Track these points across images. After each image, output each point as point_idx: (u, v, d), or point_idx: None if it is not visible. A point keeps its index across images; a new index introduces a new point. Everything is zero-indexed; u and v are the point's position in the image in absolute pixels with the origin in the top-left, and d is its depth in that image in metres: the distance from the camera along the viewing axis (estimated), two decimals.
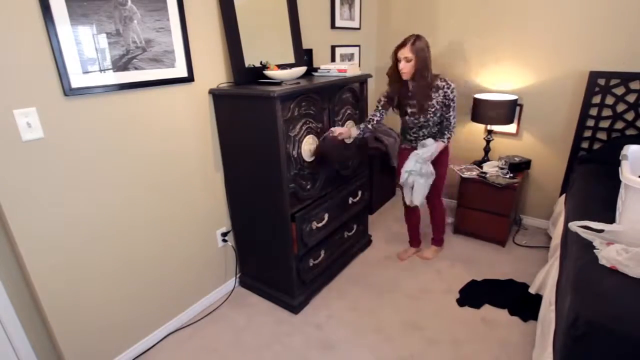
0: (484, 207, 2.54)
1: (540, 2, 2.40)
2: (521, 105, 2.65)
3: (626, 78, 2.24)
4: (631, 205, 1.39)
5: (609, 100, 2.33)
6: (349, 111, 2.07)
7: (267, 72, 1.82)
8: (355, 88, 2.12)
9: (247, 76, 1.89)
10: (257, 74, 1.92)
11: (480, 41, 2.69)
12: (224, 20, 1.78)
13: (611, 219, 1.54)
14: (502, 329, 1.87)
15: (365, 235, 2.60)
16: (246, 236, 2.09)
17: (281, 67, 1.96)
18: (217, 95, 1.82)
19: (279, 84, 1.78)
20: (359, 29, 2.89)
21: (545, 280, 1.90)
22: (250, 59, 1.91)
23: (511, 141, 2.78)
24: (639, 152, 1.77)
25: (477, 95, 2.59)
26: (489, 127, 2.65)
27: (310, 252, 2.02)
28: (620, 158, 1.59)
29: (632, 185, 1.35)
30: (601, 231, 1.44)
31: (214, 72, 1.84)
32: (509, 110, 2.48)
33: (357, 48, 2.91)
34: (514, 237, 2.70)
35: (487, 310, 2.00)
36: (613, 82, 2.29)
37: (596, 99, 2.36)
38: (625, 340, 1.05)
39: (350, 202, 2.20)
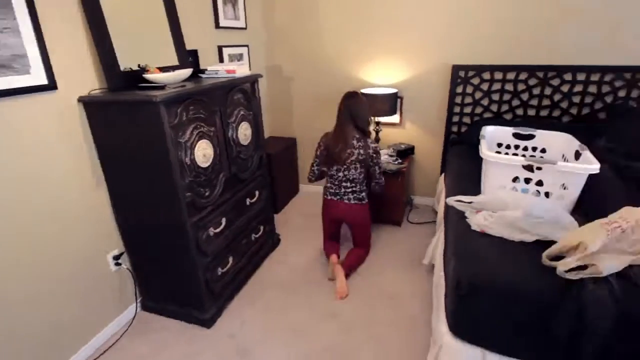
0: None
1: (408, 2, 2.67)
2: (401, 97, 2.92)
3: (479, 70, 2.64)
4: (490, 176, 1.65)
5: (469, 89, 2.72)
6: (242, 112, 2.03)
7: (147, 76, 1.68)
8: (246, 89, 2.09)
9: (123, 81, 1.72)
10: (137, 78, 1.75)
11: (360, 38, 2.88)
12: (88, 18, 1.58)
13: (479, 191, 1.80)
14: (407, 301, 2.05)
15: (273, 235, 2.60)
16: (144, 255, 1.91)
17: (163, 69, 1.83)
18: (88, 104, 1.62)
19: (162, 87, 1.66)
20: (245, 28, 2.85)
21: (435, 250, 2.14)
22: (127, 62, 1.74)
23: (396, 130, 3.06)
24: (494, 132, 2.10)
25: (364, 90, 2.78)
26: (376, 119, 2.87)
27: (217, 261, 1.94)
28: (480, 138, 1.87)
29: (489, 159, 1.60)
30: (471, 203, 1.67)
31: (82, 78, 1.63)
32: (391, 103, 2.72)
33: (246, 48, 2.88)
34: (407, 217, 2.98)
35: (394, 287, 2.17)
36: (470, 73, 2.67)
37: (459, 89, 2.73)
38: (499, 292, 1.24)
39: (247, 203, 2.18)
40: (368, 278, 2.26)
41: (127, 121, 1.57)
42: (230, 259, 2.06)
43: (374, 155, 2.18)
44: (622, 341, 1.11)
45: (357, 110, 2.15)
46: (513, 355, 1.29)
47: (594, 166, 1.48)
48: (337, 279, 2.16)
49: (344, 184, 2.22)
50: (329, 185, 2.30)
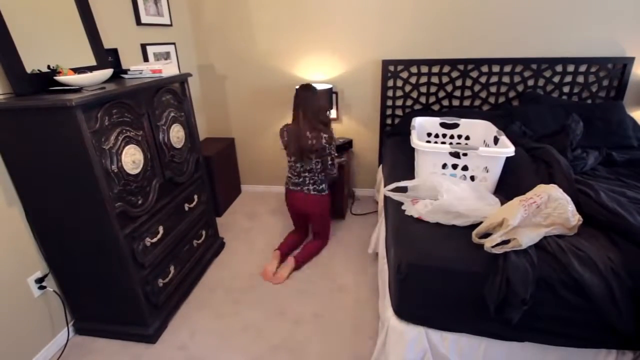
0: None
1: (338, 2, 2.72)
2: (337, 93, 2.98)
3: (407, 64, 2.77)
4: (421, 164, 1.75)
5: (399, 82, 2.84)
6: (172, 114, 1.93)
7: (59, 78, 1.53)
8: (175, 89, 1.99)
9: (32, 84, 1.54)
10: (48, 81, 1.59)
11: (293, 35, 2.88)
12: None
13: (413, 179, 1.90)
14: (354, 290, 2.11)
15: (217, 239, 2.52)
16: (73, 274, 1.75)
17: (79, 70, 1.68)
18: None
19: (78, 90, 1.52)
20: (170, 25, 2.70)
21: (378, 239, 2.23)
22: (35, 63, 1.57)
23: (334, 125, 3.10)
24: (423, 122, 2.23)
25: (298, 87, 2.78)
26: None
27: (157, 272, 1.84)
28: (411, 128, 1.97)
29: (419, 148, 1.69)
30: (405, 188, 1.75)
31: None
32: (327, 98, 2.75)
33: (173, 46, 2.73)
34: (351, 209, 3.06)
35: (341, 278, 2.22)
36: (399, 67, 2.79)
37: (390, 83, 2.85)
38: (436, 271, 1.32)
39: (186, 208, 2.09)
40: (315, 272, 2.29)
41: (40, 129, 1.41)
42: (172, 268, 1.96)
43: (327, 145, 2.17)
44: (540, 304, 1.25)
45: (307, 102, 2.17)
46: (452, 330, 1.39)
47: (510, 149, 1.63)
48: (274, 261, 2.29)
49: (303, 174, 2.26)
50: (289, 175, 2.33)
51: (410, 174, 1.94)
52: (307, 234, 2.62)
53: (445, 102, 2.85)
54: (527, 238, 1.31)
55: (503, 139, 1.78)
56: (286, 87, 3.00)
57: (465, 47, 2.67)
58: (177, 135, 1.96)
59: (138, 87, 1.67)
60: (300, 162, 2.23)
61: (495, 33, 2.61)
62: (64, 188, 1.51)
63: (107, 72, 1.70)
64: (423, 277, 1.34)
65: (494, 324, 1.30)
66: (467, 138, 2.19)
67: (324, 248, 2.51)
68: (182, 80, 2.04)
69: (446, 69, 2.74)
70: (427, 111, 2.84)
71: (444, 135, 2.25)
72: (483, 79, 2.73)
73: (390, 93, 2.88)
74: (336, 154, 2.28)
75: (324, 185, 2.31)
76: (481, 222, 1.44)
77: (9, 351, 1.59)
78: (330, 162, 2.25)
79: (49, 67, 1.63)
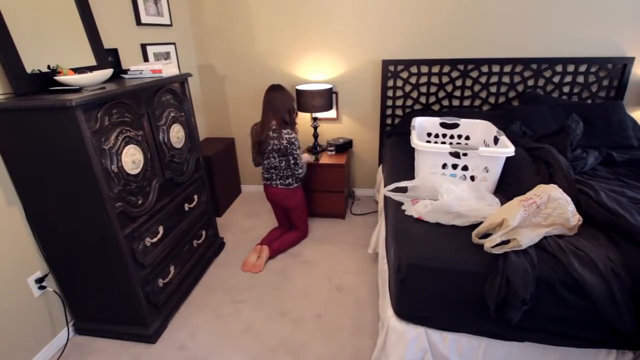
0: (322, 187, 2.79)
1: (338, 2, 2.72)
2: (337, 93, 2.98)
3: (407, 64, 2.77)
4: (421, 164, 1.75)
5: (399, 82, 2.84)
6: (172, 114, 1.93)
7: (59, 78, 1.53)
8: (175, 89, 1.99)
9: (32, 84, 1.55)
10: (48, 81, 1.59)
11: (293, 35, 2.87)
12: None
13: (413, 179, 1.90)
14: (354, 290, 2.11)
15: (217, 239, 2.52)
16: (73, 274, 1.75)
17: (79, 70, 1.68)
18: None
19: (78, 90, 1.52)
20: (170, 25, 2.70)
21: (378, 239, 2.23)
22: (35, 63, 1.57)
23: (334, 125, 3.11)
24: (423, 122, 2.23)
25: (299, 87, 2.79)
26: (313, 114, 2.89)
27: (157, 272, 1.84)
28: (411, 128, 1.97)
29: (419, 148, 1.69)
30: (405, 188, 1.75)
31: None
32: (327, 98, 2.75)
33: (173, 46, 2.73)
34: (350, 209, 3.06)
35: (341, 278, 2.22)
36: (399, 67, 2.79)
37: (390, 82, 2.85)
38: (436, 271, 1.32)
39: (186, 208, 2.09)
40: (315, 271, 2.29)
41: (40, 129, 1.41)
42: (172, 268, 1.96)
43: (288, 145, 2.25)
44: (540, 304, 1.25)
45: (275, 101, 2.27)
46: (452, 330, 1.39)
47: (510, 149, 1.63)
48: (254, 254, 2.39)
49: (270, 170, 2.38)
50: (262, 171, 2.45)
51: (410, 174, 1.94)
52: (289, 230, 2.65)
53: (445, 102, 2.85)
54: (527, 238, 1.31)
55: (503, 139, 1.78)
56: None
57: (465, 47, 2.67)
58: (177, 135, 1.96)
59: (138, 87, 1.67)
60: (267, 159, 2.33)
61: (495, 33, 2.61)
62: (64, 188, 1.51)
63: (107, 72, 1.70)
64: (423, 277, 1.34)
65: (494, 324, 1.30)
66: (467, 138, 2.19)
67: (302, 240, 2.63)
68: (182, 80, 2.04)
69: (446, 69, 2.74)
70: (427, 111, 2.84)
71: (444, 135, 2.25)
72: (483, 79, 2.72)
73: (390, 93, 2.88)
74: (298, 154, 2.32)
75: (290, 180, 2.39)
76: (481, 222, 1.44)
77: (9, 351, 1.59)
78: (293, 162, 2.32)
79: (49, 67, 1.63)
